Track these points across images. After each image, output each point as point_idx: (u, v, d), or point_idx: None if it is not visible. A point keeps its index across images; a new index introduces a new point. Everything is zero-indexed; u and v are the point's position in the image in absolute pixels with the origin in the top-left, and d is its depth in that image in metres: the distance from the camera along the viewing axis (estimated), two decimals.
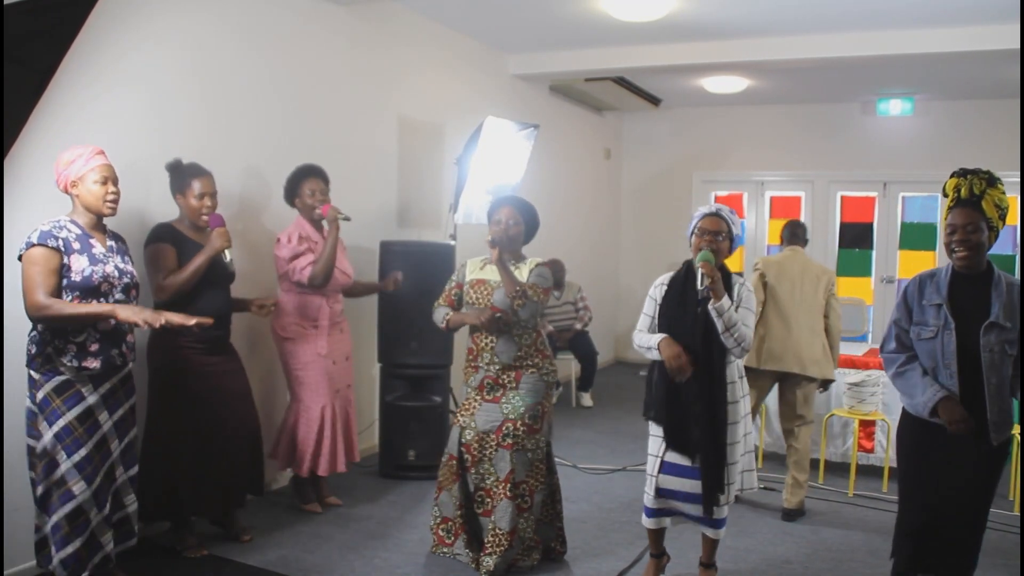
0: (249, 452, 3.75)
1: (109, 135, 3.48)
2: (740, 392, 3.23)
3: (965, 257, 2.77)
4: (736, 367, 3.23)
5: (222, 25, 4.14)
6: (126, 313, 2.91)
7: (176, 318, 2.96)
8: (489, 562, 3.44)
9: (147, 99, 3.74)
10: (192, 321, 2.98)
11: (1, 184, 2.99)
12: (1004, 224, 2.81)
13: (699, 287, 3.04)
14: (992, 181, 2.76)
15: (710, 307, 3.05)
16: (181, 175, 3.57)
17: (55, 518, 2.90)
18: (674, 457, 3.22)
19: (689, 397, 3.14)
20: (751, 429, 3.31)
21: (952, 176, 2.84)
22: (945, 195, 2.85)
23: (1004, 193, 2.79)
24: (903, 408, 2.96)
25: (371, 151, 5.33)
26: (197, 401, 3.53)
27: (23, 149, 3.16)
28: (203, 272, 3.47)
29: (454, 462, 3.60)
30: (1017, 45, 5.04)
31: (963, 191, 2.77)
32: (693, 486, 3.19)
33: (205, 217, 3.55)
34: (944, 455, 2.80)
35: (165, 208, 3.69)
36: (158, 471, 3.48)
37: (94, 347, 2.97)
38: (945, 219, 2.83)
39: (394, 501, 4.47)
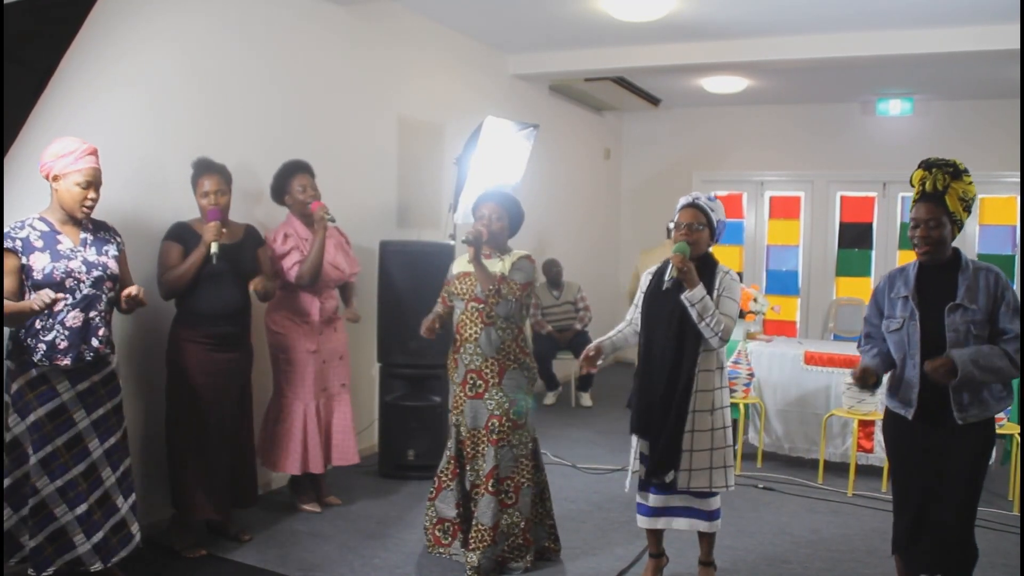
0: (238, 459, 3.74)
1: (108, 134, 3.48)
2: (717, 382, 3.24)
3: (927, 252, 2.81)
4: (717, 356, 3.24)
5: (221, 25, 4.14)
6: (18, 309, 2.78)
7: (39, 300, 2.74)
8: (473, 558, 3.45)
9: (146, 99, 3.74)
10: (45, 300, 2.74)
11: (1, 183, 2.99)
12: (969, 215, 2.82)
13: (666, 277, 3.15)
14: (957, 174, 2.77)
15: (682, 297, 3.10)
16: (195, 172, 3.60)
17: (23, 511, 2.91)
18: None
19: (658, 382, 3.19)
20: (729, 423, 3.32)
21: (919, 167, 2.85)
22: (911, 186, 2.87)
23: (971, 184, 2.79)
24: (886, 405, 3.00)
25: (371, 151, 5.33)
26: (197, 397, 3.54)
27: (22, 148, 3.16)
28: (198, 267, 3.47)
29: (454, 462, 3.61)
30: (1017, 45, 5.04)
31: (927, 185, 2.79)
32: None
33: None
34: (921, 446, 2.84)
35: (167, 204, 3.70)
36: (175, 465, 3.55)
37: (63, 344, 2.94)
38: (911, 211, 2.86)
39: (393, 501, 4.46)
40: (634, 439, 3.34)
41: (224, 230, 3.54)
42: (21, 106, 3.15)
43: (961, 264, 2.81)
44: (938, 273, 2.83)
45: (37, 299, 2.75)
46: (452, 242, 5.07)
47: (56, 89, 3.28)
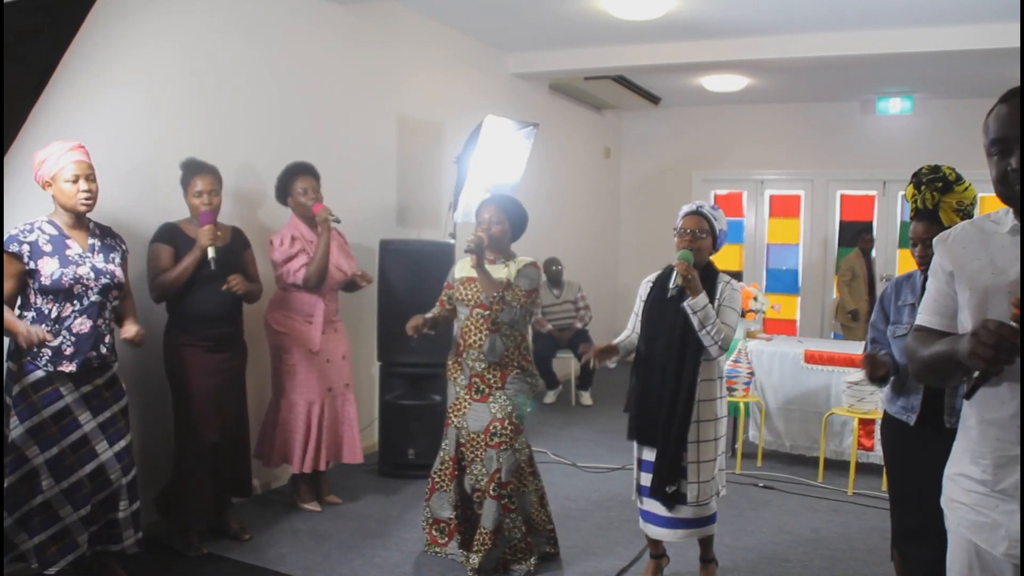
0: (235, 453, 3.75)
1: (108, 133, 3.48)
2: (718, 392, 3.25)
3: (926, 270, 2.77)
4: (717, 366, 3.25)
5: (221, 24, 4.14)
6: (12, 328, 2.78)
7: (34, 336, 2.75)
8: (475, 560, 3.46)
9: (146, 98, 3.74)
10: (36, 339, 2.75)
11: (1, 182, 2.99)
12: (973, 217, 2.80)
13: (670, 285, 3.11)
14: (947, 187, 2.71)
15: (684, 304, 3.09)
16: (186, 172, 3.58)
17: (25, 507, 2.89)
18: (651, 456, 3.25)
19: (659, 391, 3.18)
20: (724, 432, 3.33)
21: (910, 182, 2.80)
22: (907, 200, 2.85)
23: (967, 189, 2.74)
24: (884, 409, 2.98)
25: (371, 150, 5.33)
26: (202, 402, 3.55)
27: (23, 147, 3.16)
28: (192, 271, 3.46)
29: (452, 464, 3.60)
30: (1017, 44, 5.04)
31: (919, 202, 2.75)
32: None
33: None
34: (921, 451, 2.82)
35: (167, 205, 3.69)
36: (183, 472, 3.55)
37: (69, 350, 2.93)
38: (910, 224, 2.83)
39: (393, 500, 4.47)
40: (635, 446, 3.33)
41: (219, 233, 3.54)
42: (21, 106, 3.15)
43: None
44: None
45: (33, 334, 2.73)
46: (452, 241, 5.07)
47: (56, 89, 3.28)
